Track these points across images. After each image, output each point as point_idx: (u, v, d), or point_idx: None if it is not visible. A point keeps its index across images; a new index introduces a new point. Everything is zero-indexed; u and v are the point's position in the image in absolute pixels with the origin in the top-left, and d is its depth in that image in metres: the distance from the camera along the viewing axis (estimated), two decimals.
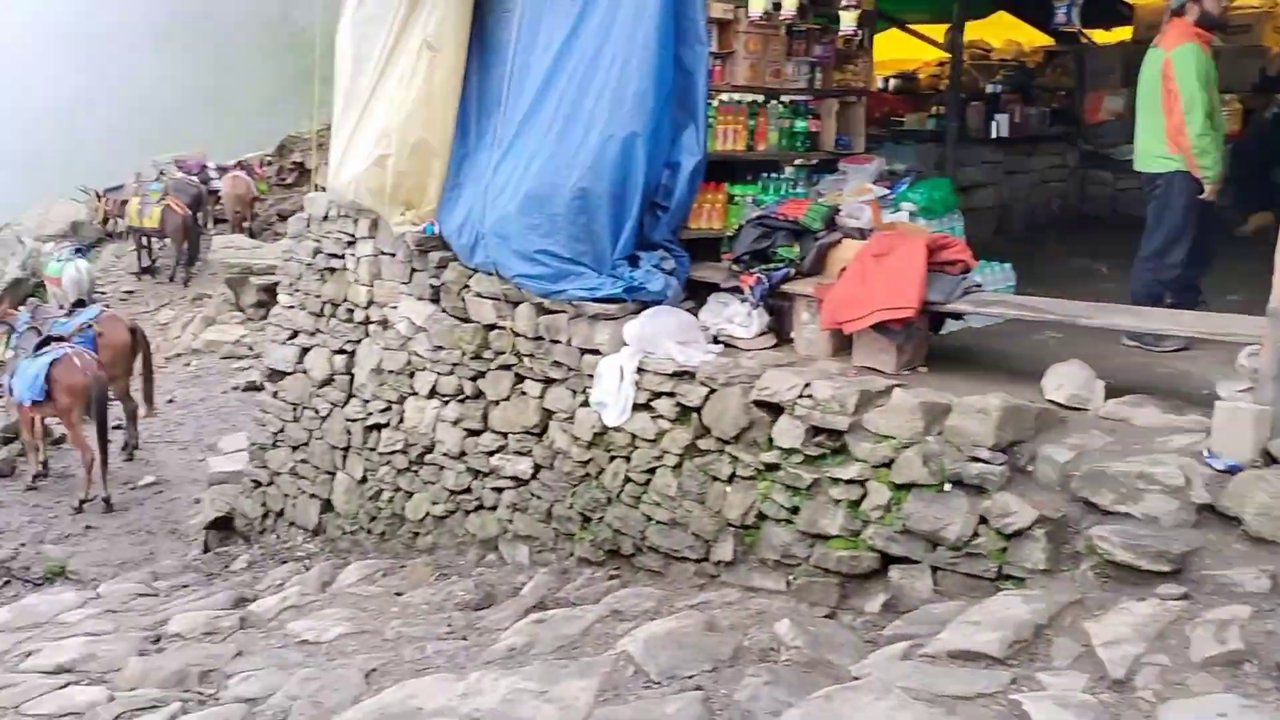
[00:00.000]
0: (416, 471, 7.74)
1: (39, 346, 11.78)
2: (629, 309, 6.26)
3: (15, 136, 70.11)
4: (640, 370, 5.99)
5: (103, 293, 18.68)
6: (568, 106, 6.49)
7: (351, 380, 8.38)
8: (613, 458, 6.21)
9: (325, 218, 8.67)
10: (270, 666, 5.56)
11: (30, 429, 12.33)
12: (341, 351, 8.47)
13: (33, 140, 68.87)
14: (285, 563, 8.62)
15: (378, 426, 8.10)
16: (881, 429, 4.95)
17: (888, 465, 4.87)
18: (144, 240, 20.09)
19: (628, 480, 6.11)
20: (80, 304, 14.44)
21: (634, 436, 6.06)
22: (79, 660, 6.58)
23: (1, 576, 10.86)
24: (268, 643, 6.31)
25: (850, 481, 4.97)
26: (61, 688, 5.92)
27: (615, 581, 6.05)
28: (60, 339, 11.97)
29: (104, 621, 7.71)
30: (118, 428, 13.06)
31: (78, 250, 17.89)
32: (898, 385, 5.15)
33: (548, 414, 6.69)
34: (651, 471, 5.97)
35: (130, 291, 19.55)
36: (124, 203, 20.36)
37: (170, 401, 14.34)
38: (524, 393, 6.83)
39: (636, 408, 6.01)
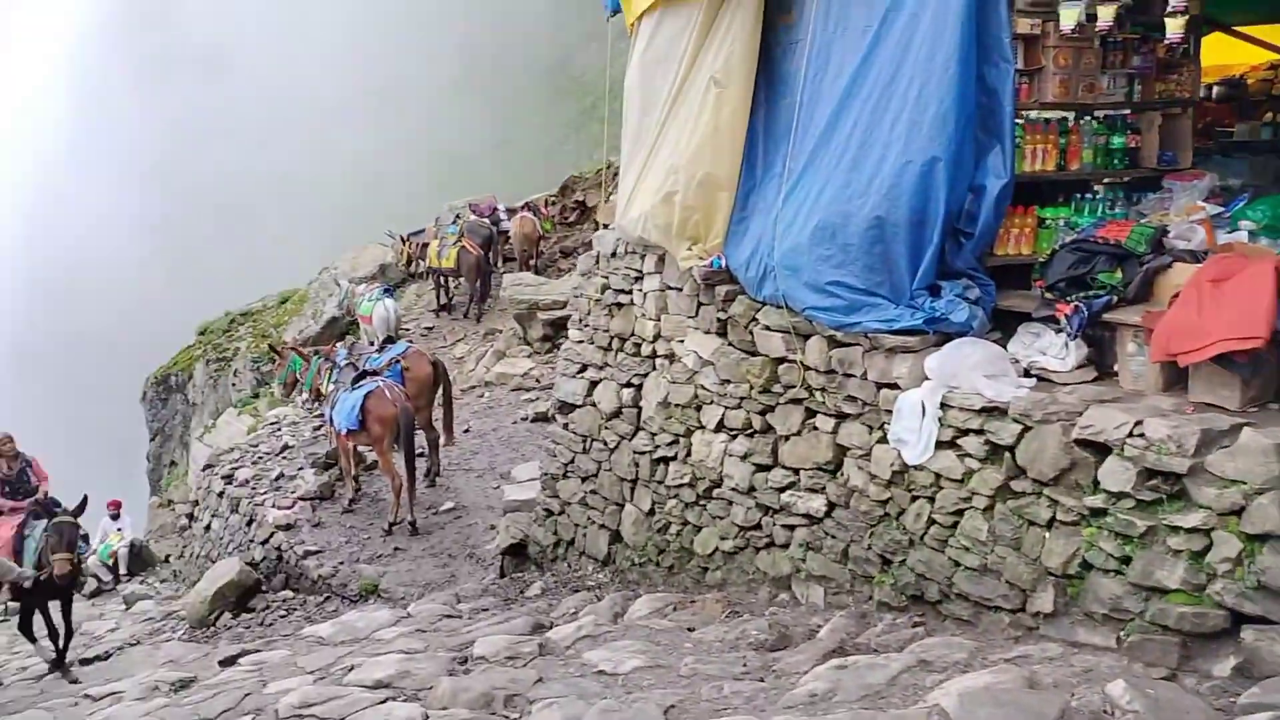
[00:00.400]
0: (704, 506, 7.73)
1: (355, 380, 12.73)
2: (929, 341, 5.98)
3: (331, 187, 76.90)
4: (944, 406, 5.69)
5: (407, 329, 20.03)
6: (861, 133, 6.31)
7: (639, 413, 8.50)
8: (914, 498, 5.93)
9: (613, 254, 8.87)
10: (570, 695, 5.64)
11: (347, 456, 13.35)
12: (629, 385, 8.61)
13: (345, 190, 75.31)
14: (577, 591, 8.82)
15: (665, 459, 8.16)
16: (1228, 473, 4.45)
17: (1237, 513, 4.37)
18: (442, 279, 21.41)
19: (932, 522, 5.82)
20: (389, 340, 15.53)
21: (938, 476, 5.76)
22: (395, 677, 6.95)
23: (323, 592, 11.80)
24: (566, 671, 6.43)
25: (1192, 530, 4.49)
26: (381, 703, 6.26)
27: (920, 629, 5.76)
28: (373, 373, 12.89)
29: (415, 640, 8.14)
30: (421, 455, 13.91)
31: (386, 290, 19.22)
32: (1246, 424, 4.61)
33: (842, 450, 6.49)
34: (958, 514, 5.65)
35: (430, 328, 20.85)
36: (424, 245, 21.75)
37: (466, 431, 15.11)
38: (815, 428, 6.67)
39: (940, 445, 5.72)
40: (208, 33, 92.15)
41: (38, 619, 10.98)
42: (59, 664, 10.89)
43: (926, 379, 5.85)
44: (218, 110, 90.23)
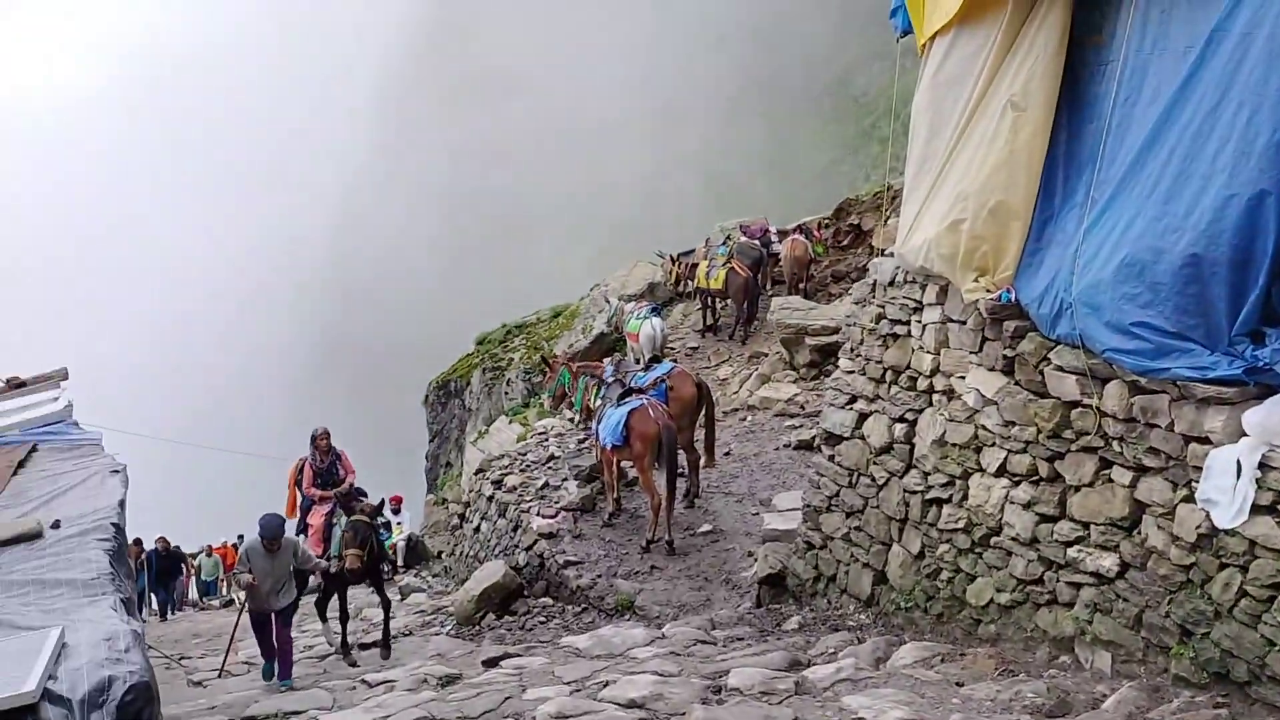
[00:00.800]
0: (980, 554, 7.30)
1: (621, 397, 12.96)
2: (1250, 393, 5.37)
3: (606, 206, 79.36)
4: (1264, 466, 5.11)
5: (672, 348, 20.27)
6: (1178, 163, 5.76)
7: (911, 450, 8.15)
8: (1223, 565, 5.35)
9: (891, 282, 8.57)
10: None
11: (610, 471, 13.61)
12: (902, 420, 8.28)
13: (619, 208, 77.50)
14: (837, 630, 8.55)
15: (938, 501, 7.78)
16: None
17: None
18: (709, 300, 21.53)
19: (1243, 594, 5.22)
20: (655, 359, 15.76)
21: (1253, 543, 5.17)
22: (649, 699, 6.94)
23: (581, 603, 12.05)
24: (823, 713, 6.22)
25: None
26: None
27: (1222, 711, 5.18)
28: (639, 391, 13.08)
29: (669, 663, 8.13)
30: (681, 475, 13.98)
31: (653, 309, 19.55)
32: None
33: (1140, 506, 5.95)
34: (1276, 587, 5.04)
35: (695, 348, 21.01)
36: (693, 265, 21.95)
37: (727, 454, 15.07)
38: (1110, 480, 6.14)
39: (1257, 509, 5.13)
40: (502, 59, 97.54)
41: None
42: (344, 647, 11.68)
43: (1244, 435, 5.26)
44: (507, 133, 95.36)
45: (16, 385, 12.18)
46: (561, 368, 16.01)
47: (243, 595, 10.95)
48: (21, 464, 8.03)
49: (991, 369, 7.20)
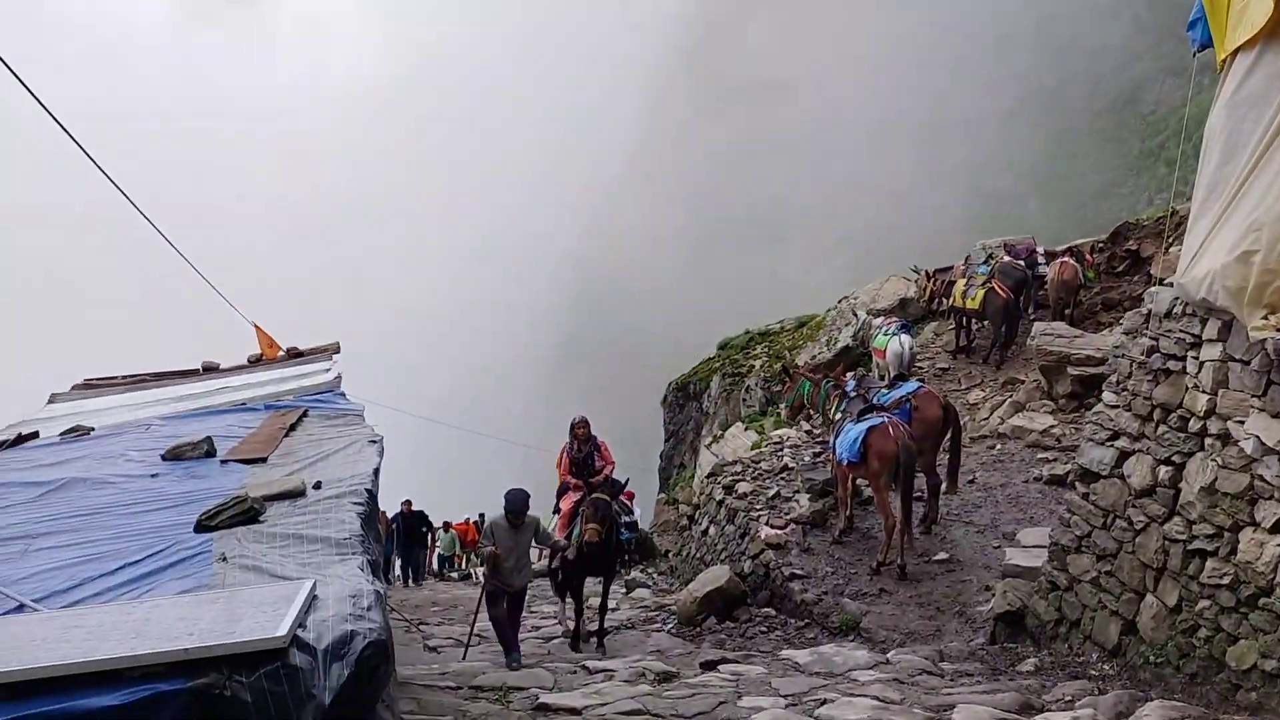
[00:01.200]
0: (1246, 614, 6.66)
1: (861, 413, 12.67)
2: None
3: (860, 215, 78.16)
4: None
5: (920, 368, 19.65)
6: None
7: (1176, 496, 7.54)
8: None
9: (1168, 314, 7.95)
10: None
11: (844, 487, 13.35)
12: (1168, 462, 7.67)
13: (875, 219, 76.25)
14: (1076, 678, 8.04)
15: (1202, 553, 7.16)
16: None
17: None
18: (964, 320, 20.72)
19: None
20: (900, 377, 15.32)
21: None
22: None
23: (804, 617, 11.88)
24: None
25: None
26: None
27: None
28: (881, 408, 12.76)
29: (891, 690, 7.90)
30: (919, 499, 13.54)
31: (903, 326, 18.98)
32: None
33: None
34: None
35: (944, 369, 20.28)
36: (950, 283, 21.18)
37: (970, 482, 14.48)
38: None
39: None
40: (766, 64, 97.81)
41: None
42: (575, 636, 11.88)
43: None
44: (766, 138, 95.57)
45: (295, 355, 13.23)
46: (802, 378, 15.83)
47: (483, 570, 11.28)
48: (293, 427, 8.69)
49: (1276, 415, 6.56)
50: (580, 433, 12.24)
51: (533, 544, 10.83)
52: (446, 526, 28.55)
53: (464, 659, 11.16)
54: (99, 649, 3.99)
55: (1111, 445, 8.44)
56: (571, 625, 12.08)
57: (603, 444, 12.40)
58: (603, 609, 12.17)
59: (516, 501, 10.18)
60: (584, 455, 12.21)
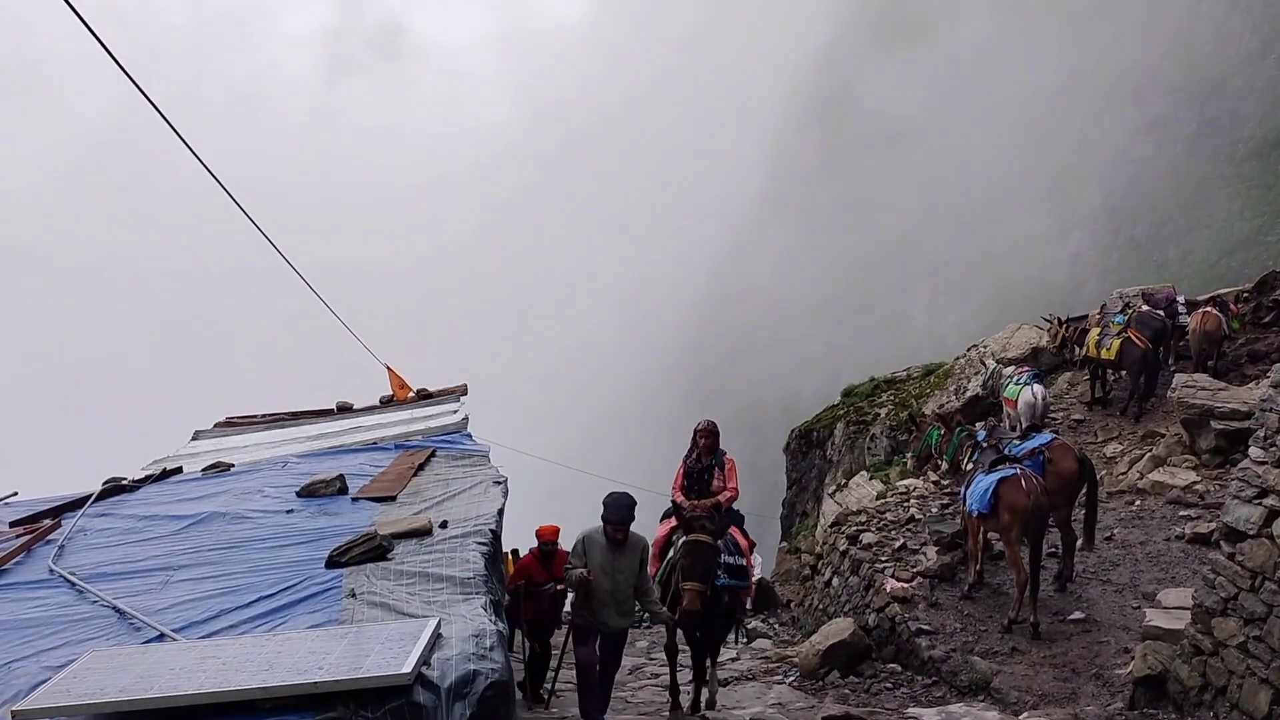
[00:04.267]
0: None
1: (993, 464, 12.32)
2: None
3: (987, 262, 76.22)
4: None
5: (1053, 419, 19.02)
6: None
7: None
8: None
9: None
10: None
11: (975, 539, 12.96)
12: None
13: (1004, 266, 74.43)
14: None
15: None
16: None
17: None
18: (1100, 371, 20.02)
19: None
20: (1033, 428, 14.86)
21: None
22: None
23: (932, 674, 11.54)
24: None
25: None
26: None
27: None
28: (1013, 459, 12.37)
29: None
30: (1053, 554, 13.06)
31: (1035, 375, 18.42)
32: None
33: None
34: None
35: (1080, 420, 19.59)
36: (1084, 331, 20.52)
37: (1108, 539, 13.90)
38: None
39: None
40: (899, 112, 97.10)
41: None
42: (673, 705, 9.89)
43: None
44: (893, 186, 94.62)
45: (425, 396, 13.58)
46: (931, 427, 15.49)
47: (569, 600, 8.88)
48: (421, 467, 8.90)
49: None
50: (704, 442, 10.16)
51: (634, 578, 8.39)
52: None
53: (547, 708, 10.31)
54: (232, 680, 4.14)
55: (1259, 503, 8.02)
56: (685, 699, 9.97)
57: (729, 460, 10.29)
58: (697, 684, 9.96)
59: (618, 509, 7.97)
60: (702, 469, 10.14)
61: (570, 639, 8.63)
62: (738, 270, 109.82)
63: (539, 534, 10.38)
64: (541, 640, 10.90)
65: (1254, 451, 8.39)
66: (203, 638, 5.01)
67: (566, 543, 9.83)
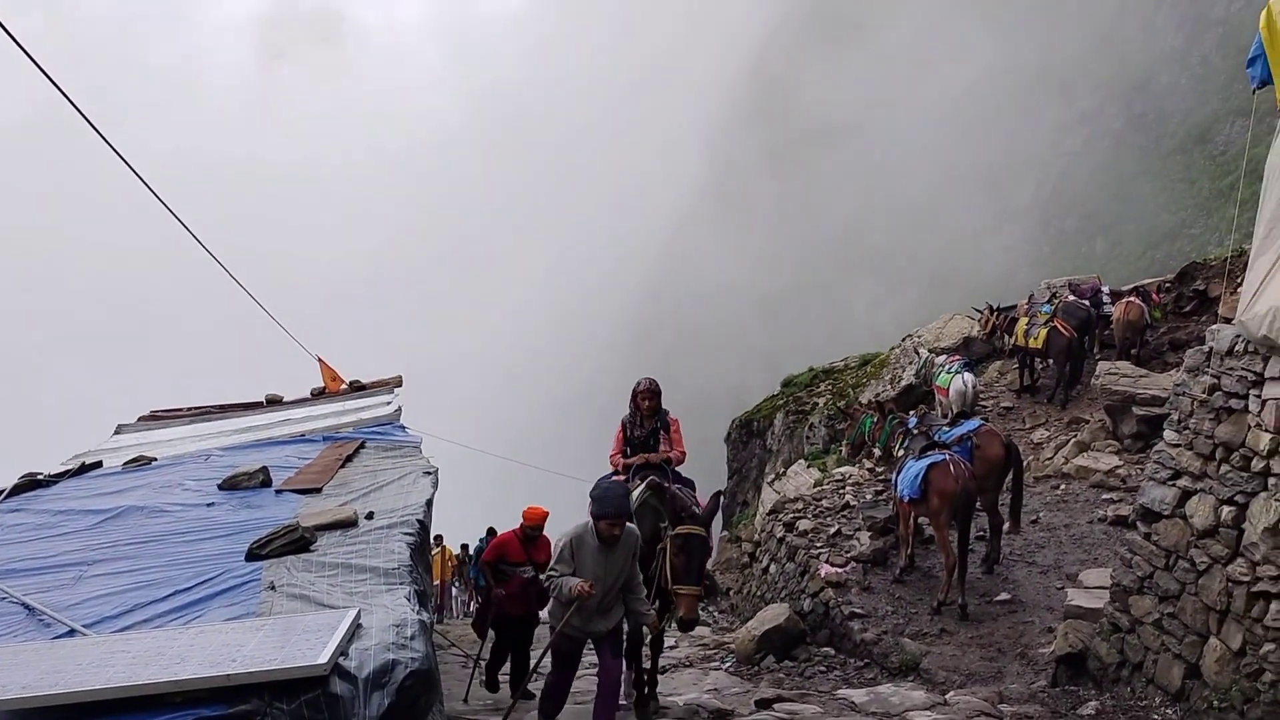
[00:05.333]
0: None
1: (923, 450, 12.53)
2: None
3: (924, 255, 77.56)
4: None
5: (984, 406, 19.35)
6: None
7: (1239, 536, 7.34)
8: None
9: (1229, 352, 7.78)
10: None
11: (906, 524, 13.16)
12: (1230, 502, 7.47)
13: (939, 259, 75.60)
14: None
15: (1266, 595, 6.95)
16: None
17: None
18: (1027, 359, 20.42)
19: None
20: (963, 415, 15.11)
21: None
22: None
23: (864, 657, 11.71)
24: None
25: None
26: None
27: None
28: (943, 446, 12.59)
29: None
30: (981, 538, 13.31)
31: (966, 364, 18.75)
32: None
33: None
34: None
35: (1009, 408, 19.97)
36: (1013, 320, 20.92)
37: (1034, 522, 14.20)
38: None
39: None
40: (835, 110, 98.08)
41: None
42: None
43: None
44: (834, 182, 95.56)
45: (357, 388, 13.45)
46: (864, 415, 15.69)
47: (551, 611, 7.66)
48: (350, 458, 8.83)
49: None
50: (646, 403, 9.07)
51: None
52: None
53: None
54: (142, 674, 4.08)
55: (1173, 485, 8.26)
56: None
57: (673, 421, 9.27)
58: (638, 677, 8.95)
59: (613, 500, 6.78)
60: (646, 434, 9.11)
61: (552, 658, 7.34)
62: (678, 261, 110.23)
63: (526, 516, 9.83)
64: (513, 633, 10.22)
65: (1169, 435, 8.62)
66: (115, 633, 4.93)
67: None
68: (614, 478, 8.71)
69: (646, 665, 9.06)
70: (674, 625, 7.82)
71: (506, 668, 10.69)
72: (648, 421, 9.09)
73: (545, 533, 9.73)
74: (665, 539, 7.65)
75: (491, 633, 10.40)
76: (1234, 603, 7.28)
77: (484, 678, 10.68)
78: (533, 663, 9.46)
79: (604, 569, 6.87)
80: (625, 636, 7.99)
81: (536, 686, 9.29)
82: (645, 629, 8.37)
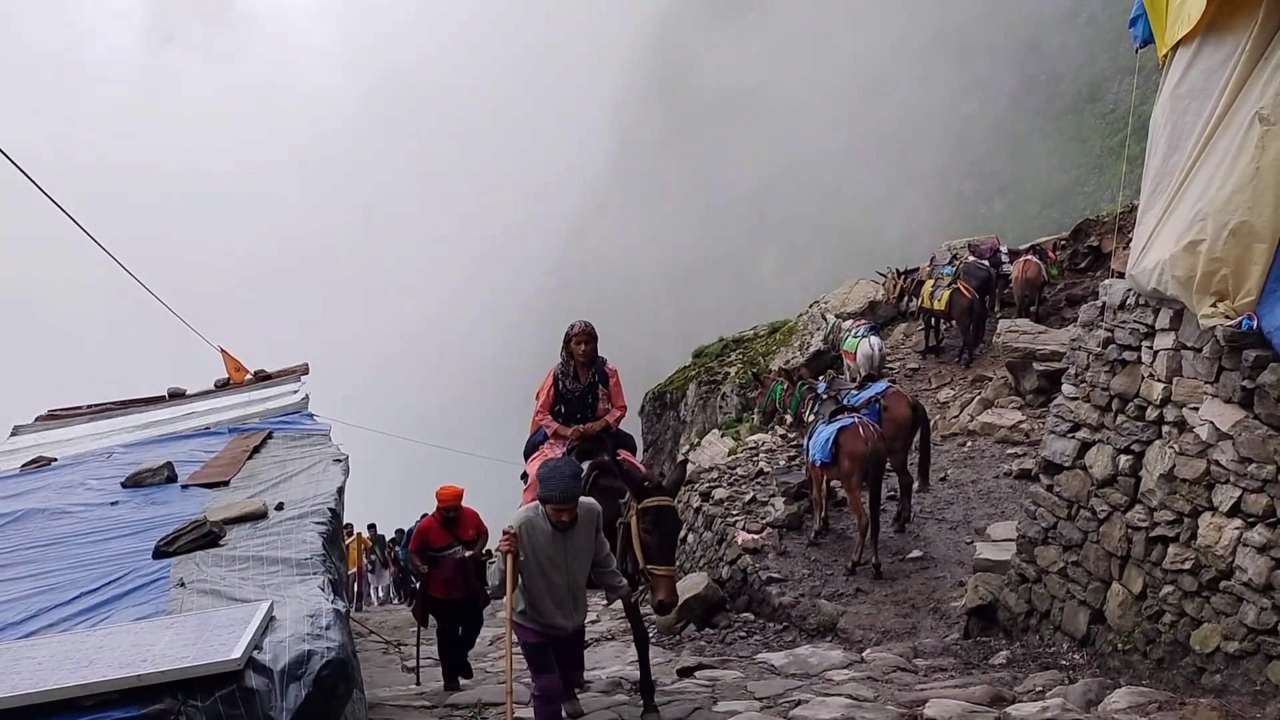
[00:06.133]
0: (1208, 598, 6.74)
1: (833, 414, 12.74)
2: None
3: (830, 225, 78.57)
4: None
5: (891, 369, 19.74)
6: None
7: (1137, 484, 7.62)
8: None
9: (1121, 306, 8.05)
10: None
11: (819, 488, 13.39)
12: (1127, 451, 7.75)
13: (845, 225, 76.63)
14: (1047, 669, 8.10)
15: (1164, 539, 7.24)
16: None
17: None
18: (932, 321, 20.86)
19: None
20: (871, 378, 15.40)
21: None
22: None
23: (782, 620, 11.90)
24: None
25: None
26: None
27: None
28: (851, 409, 12.82)
29: (865, 688, 7.93)
30: (892, 498, 13.61)
31: (872, 328, 19.10)
32: None
33: None
34: None
35: (915, 369, 20.40)
36: (920, 283, 21.33)
37: (942, 480, 14.56)
38: None
39: None
40: (735, 78, 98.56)
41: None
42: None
43: None
44: (739, 152, 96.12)
45: (263, 378, 13.19)
46: (774, 382, 15.88)
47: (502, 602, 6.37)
48: (257, 449, 8.67)
49: (1228, 401, 6.65)
50: (581, 349, 7.67)
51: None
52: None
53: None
54: (50, 679, 3.97)
55: (1072, 437, 8.53)
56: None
57: (612, 372, 7.97)
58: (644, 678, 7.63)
59: (558, 480, 5.80)
60: (582, 389, 7.76)
61: (527, 661, 6.22)
62: (589, 241, 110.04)
63: (439, 497, 9.36)
64: (457, 619, 9.81)
65: (1066, 388, 8.89)
66: (19, 639, 4.78)
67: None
68: (549, 449, 7.71)
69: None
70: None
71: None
72: (583, 373, 7.73)
73: (468, 508, 9.42)
74: (630, 515, 6.60)
75: (433, 620, 10.00)
76: (1134, 548, 7.56)
77: (442, 680, 10.03)
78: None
79: (563, 553, 5.98)
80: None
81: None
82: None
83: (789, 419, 15.74)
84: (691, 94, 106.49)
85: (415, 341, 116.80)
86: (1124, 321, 7.98)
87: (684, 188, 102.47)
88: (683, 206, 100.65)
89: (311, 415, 10.75)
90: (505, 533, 5.85)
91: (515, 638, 6.06)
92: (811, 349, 23.37)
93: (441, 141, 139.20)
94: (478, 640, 10.36)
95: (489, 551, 9.67)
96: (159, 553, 5.83)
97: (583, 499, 6.06)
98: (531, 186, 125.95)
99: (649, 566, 6.42)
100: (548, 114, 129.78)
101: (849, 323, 20.74)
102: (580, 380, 7.72)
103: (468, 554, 9.40)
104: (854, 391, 13.81)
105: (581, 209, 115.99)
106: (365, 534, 22.93)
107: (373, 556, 23.28)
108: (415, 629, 10.86)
